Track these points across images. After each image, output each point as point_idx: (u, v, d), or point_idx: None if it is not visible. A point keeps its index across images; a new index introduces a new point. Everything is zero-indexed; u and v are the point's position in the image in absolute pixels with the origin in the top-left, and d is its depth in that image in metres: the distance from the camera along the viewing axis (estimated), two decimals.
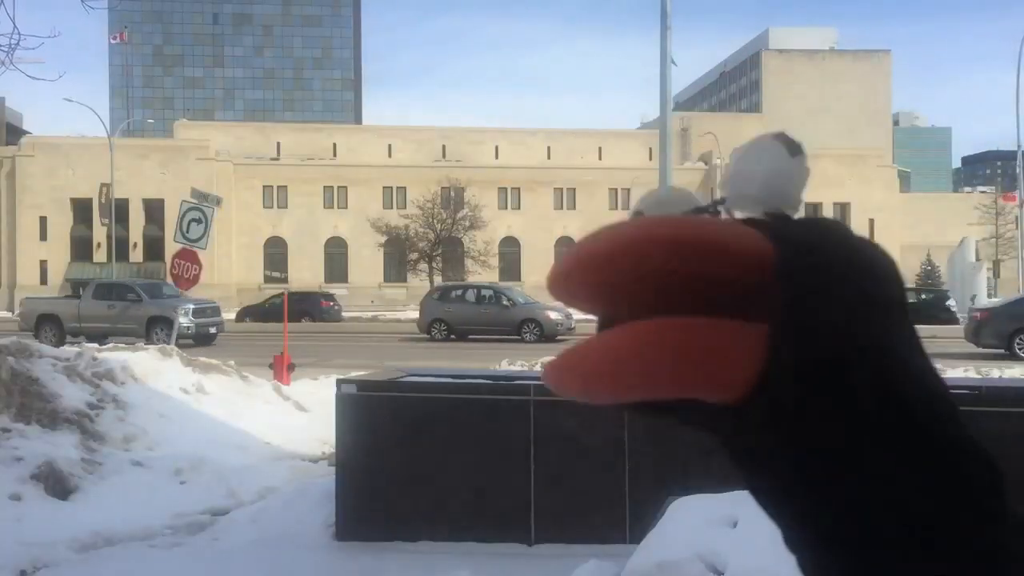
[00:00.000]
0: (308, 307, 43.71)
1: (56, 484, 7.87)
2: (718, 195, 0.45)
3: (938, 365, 0.38)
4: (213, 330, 27.20)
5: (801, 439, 0.40)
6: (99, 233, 61.87)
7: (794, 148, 0.44)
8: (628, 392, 0.40)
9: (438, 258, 54.30)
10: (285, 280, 64.61)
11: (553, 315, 29.20)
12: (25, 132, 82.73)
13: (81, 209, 62.59)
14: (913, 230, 69.94)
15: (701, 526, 4.35)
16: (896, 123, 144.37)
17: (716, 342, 0.40)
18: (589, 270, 0.40)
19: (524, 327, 29.13)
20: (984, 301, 35.54)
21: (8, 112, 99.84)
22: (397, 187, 67.20)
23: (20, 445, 8.33)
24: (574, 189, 69.19)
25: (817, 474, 0.40)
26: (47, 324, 27.43)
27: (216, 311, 28.17)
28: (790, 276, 0.39)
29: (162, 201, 60.43)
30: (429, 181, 61.76)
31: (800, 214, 0.43)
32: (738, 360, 0.39)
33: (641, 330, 0.40)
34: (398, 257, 56.64)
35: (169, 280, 20.52)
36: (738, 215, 0.43)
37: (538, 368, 14.95)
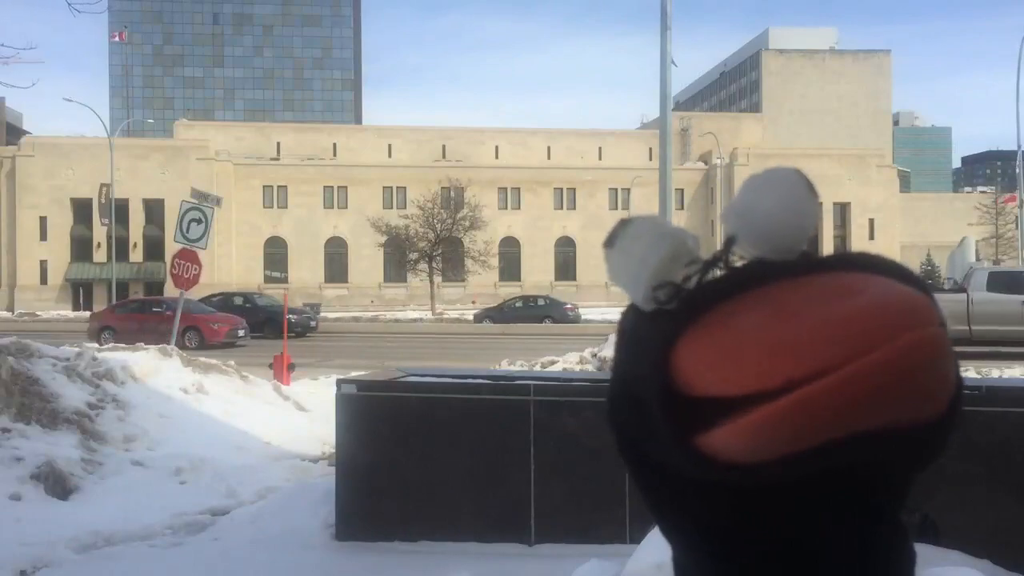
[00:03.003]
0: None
1: (56, 484, 7.86)
2: (723, 229, 0.45)
3: None
4: None
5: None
6: (99, 233, 61.80)
7: (812, 186, 0.44)
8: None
9: (438, 258, 54.27)
10: (285, 280, 64.58)
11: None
12: (25, 132, 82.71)
13: (81, 209, 62.54)
14: (913, 230, 69.89)
15: None
16: (896, 123, 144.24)
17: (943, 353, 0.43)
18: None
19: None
20: None
21: (8, 112, 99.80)
22: (397, 187, 67.18)
23: (20, 445, 8.32)
24: (574, 189, 69.17)
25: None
26: None
27: None
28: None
29: (162, 201, 60.41)
30: (429, 181, 61.74)
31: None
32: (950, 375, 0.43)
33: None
34: (398, 257, 56.58)
35: (169, 280, 20.45)
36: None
37: (538, 368, 14.85)
